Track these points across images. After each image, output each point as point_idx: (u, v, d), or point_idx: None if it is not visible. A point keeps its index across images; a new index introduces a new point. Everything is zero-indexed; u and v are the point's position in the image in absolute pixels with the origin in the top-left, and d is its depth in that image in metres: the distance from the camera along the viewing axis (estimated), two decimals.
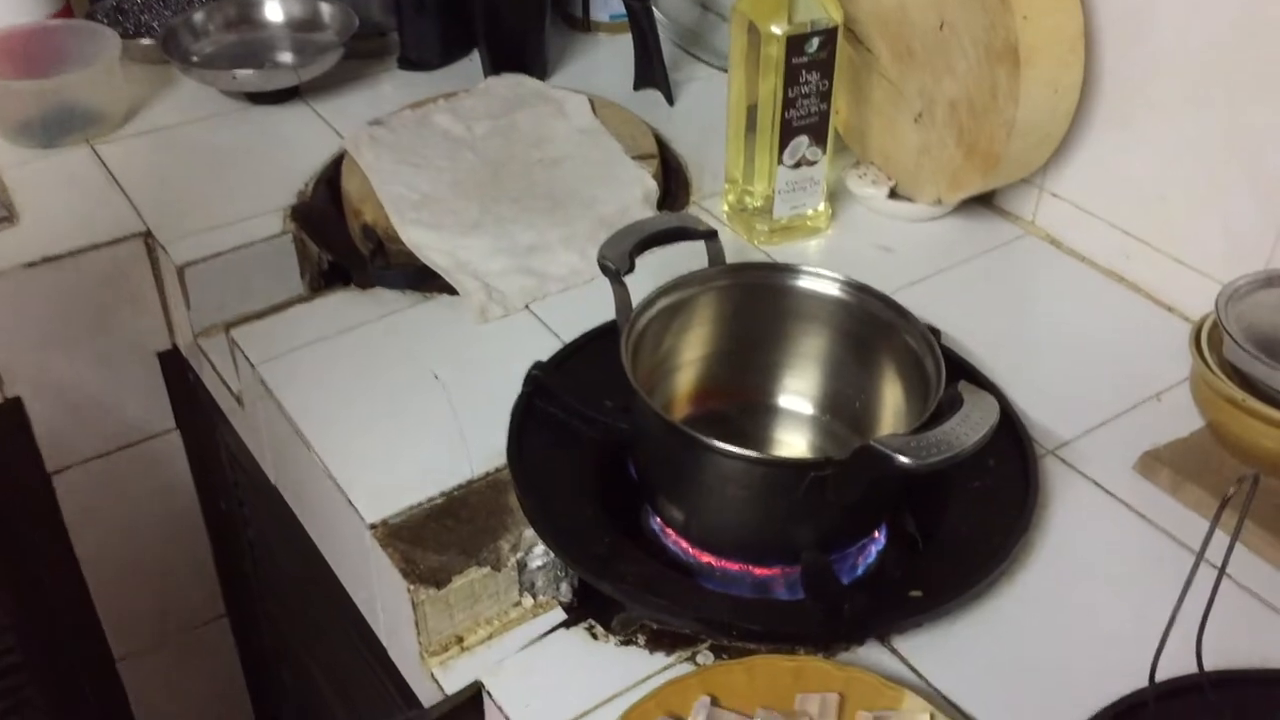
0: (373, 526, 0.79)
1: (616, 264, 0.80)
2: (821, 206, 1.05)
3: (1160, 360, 0.92)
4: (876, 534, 0.80)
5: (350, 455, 0.85)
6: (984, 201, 1.09)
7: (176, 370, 1.13)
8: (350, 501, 0.81)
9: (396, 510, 0.80)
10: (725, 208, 1.08)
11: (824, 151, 1.01)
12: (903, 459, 0.67)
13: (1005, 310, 0.99)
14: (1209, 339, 0.82)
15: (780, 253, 1.04)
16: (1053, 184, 1.04)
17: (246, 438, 1.04)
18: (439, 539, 0.79)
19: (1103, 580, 0.76)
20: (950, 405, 0.72)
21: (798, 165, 1.01)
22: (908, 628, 0.72)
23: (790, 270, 0.82)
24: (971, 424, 0.69)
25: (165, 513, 1.22)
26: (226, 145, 1.17)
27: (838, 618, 0.72)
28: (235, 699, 1.41)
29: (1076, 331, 0.96)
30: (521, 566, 0.79)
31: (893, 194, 1.07)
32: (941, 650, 0.72)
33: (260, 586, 1.25)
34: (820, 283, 0.81)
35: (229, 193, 1.09)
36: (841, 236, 1.06)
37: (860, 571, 0.79)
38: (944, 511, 0.80)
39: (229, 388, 1.01)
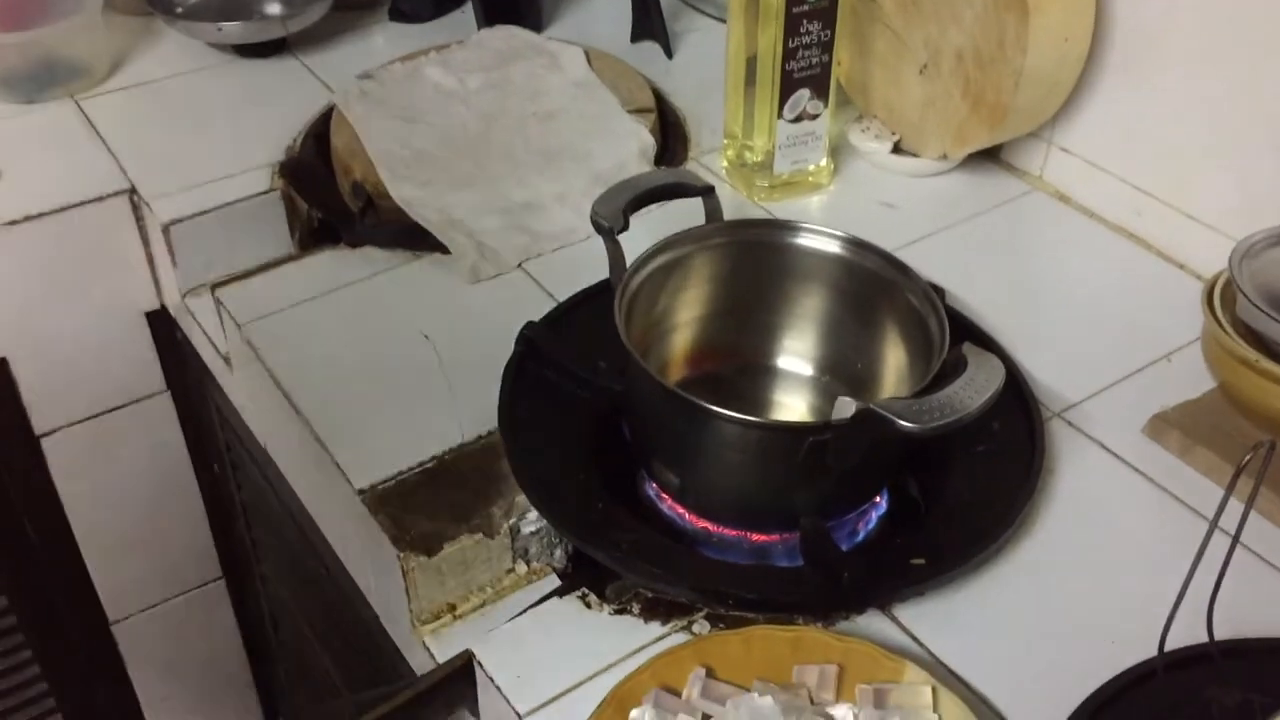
0: (361, 492, 0.77)
1: (610, 221, 0.77)
2: (823, 162, 1.02)
3: (1171, 319, 0.90)
4: (878, 499, 0.78)
5: (338, 419, 0.82)
6: (990, 156, 1.06)
7: (165, 330, 1.11)
8: (339, 466, 0.79)
9: (386, 475, 0.78)
10: (724, 163, 1.05)
11: (826, 105, 0.98)
12: (905, 423, 0.64)
13: (1012, 268, 0.96)
14: (1222, 297, 0.79)
15: (781, 209, 1.01)
16: (1061, 138, 1.01)
17: (235, 399, 1.02)
18: (430, 505, 0.77)
19: (1110, 547, 0.74)
20: (954, 367, 0.69)
21: (798, 119, 0.98)
22: (909, 596, 0.70)
23: (789, 227, 0.79)
24: (976, 387, 0.67)
25: (157, 475, 1.20)
26: (213, 99, 1.14)
27: (836, 586, 0.70)
28: (232, 661, 1.40)
29: (1085, 290, 0.93)
30: (514, 532, 0.77)
31: (896, 149, 1.04)
32: (944, 619, 0.70)
33: (255, 549, 1.23)
34: (820, 240, 0.79)
35: (215, 148, 1.07)
36: (843, 192, 1.04)
37: (861, 537, 0.77)
38: (947, 476, 0.78)
39: (216, 349, 0.99)
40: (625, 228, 0.77)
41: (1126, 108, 0.96)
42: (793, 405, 0.82)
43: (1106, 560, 0.73)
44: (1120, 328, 0.89)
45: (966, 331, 0.86)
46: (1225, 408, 0.81)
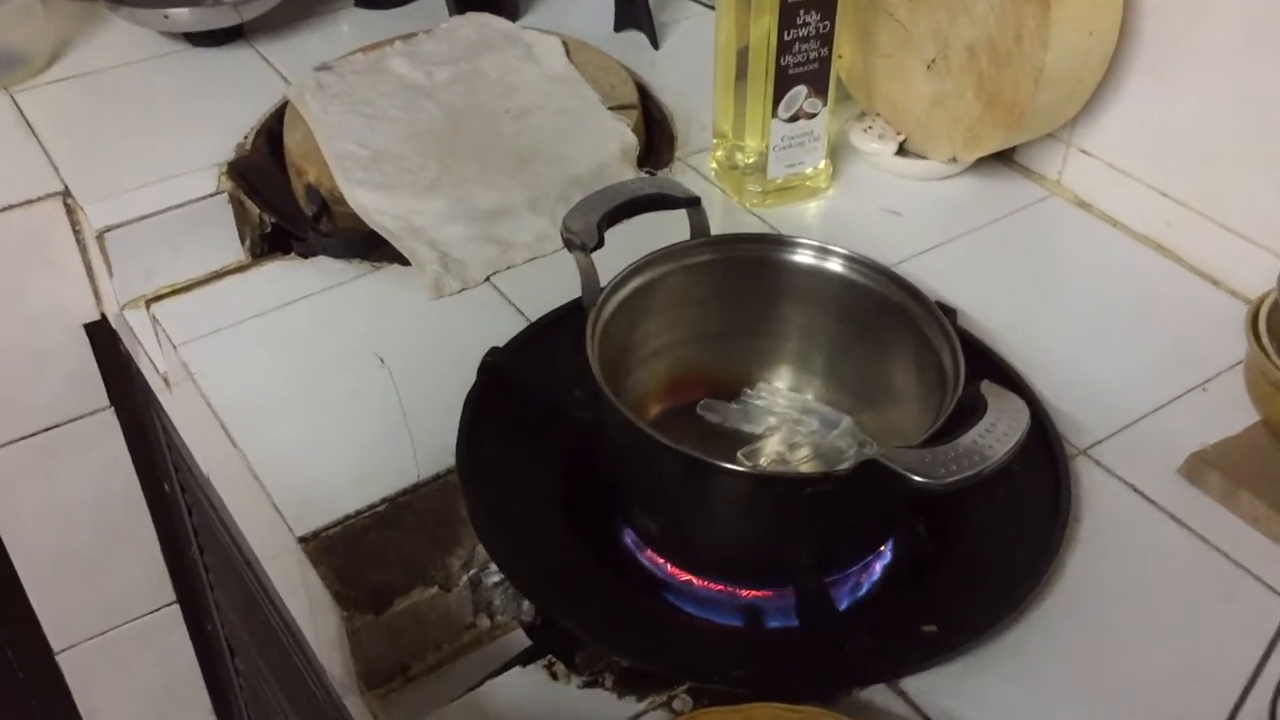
0: (303, 540, 0.69)
1: (583, 238, 0.68)
2: (821, 164, 0.94)
3: (1206, 342, 0.81)
4: (882, 548, 0.70)
5: (280, 452, 0.74)
6: (1003, 159, 0.97)
7: (107, 342, 1.02)
8: (277, 508, 0.71)
9: (331, 520, 0.70)
10: (713, 165, 0.96)
11: (824, 103, 0.90)
12: (917, 478, 0.57)
13: (1028, 283, 0.88)
14: (1268, 322, 0.71)
15: (775, 216, 0.92)
16: (1082, 139, 0.93)
17: (177, 421, 0.93)
18: (380, 554, 0.69)
19: (1147, 608, 0.65)
20: (971, 408, 0.61)
21: (794, 118, 0.89)
22: (920, 668, 0.62)
23: (783, 243, 0.71)
24: (998, 434, 0.59)
25: (102, 496, 1.12)
26: (160, 92, 1.05)
27: (838, 659, 0.62)
28: (190, 690, 1.31)
29: (1109, 309, 0.85)
30: (475, 584, 0.69)
31: (901, 150, 0.96)
32: (957, 691, 0.61)
33: (207, 574, 1.15)
34: (819, 257, 0.70)
35: (159, 146, 0.98)
36: (843, 198, 0.95)
37: (864, 591, 0.69)
38: (960, 522, 0.69)
39: (155, 367, 0.90)
40: (600, 244, 0.69)
41: (1155, 107, 0.87)
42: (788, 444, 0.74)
43: (1142, 624, 0.65)
44: (1150, 352, 0.81)
45: (981, 359, 0.77)
46: (1270, 445, 0.72)
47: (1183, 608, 0.65)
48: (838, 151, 0.97)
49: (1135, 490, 0.72)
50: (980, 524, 0.69)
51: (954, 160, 0.93)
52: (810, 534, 0.64)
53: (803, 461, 0.71)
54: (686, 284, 0.70)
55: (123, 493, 1.13)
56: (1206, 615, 0.64)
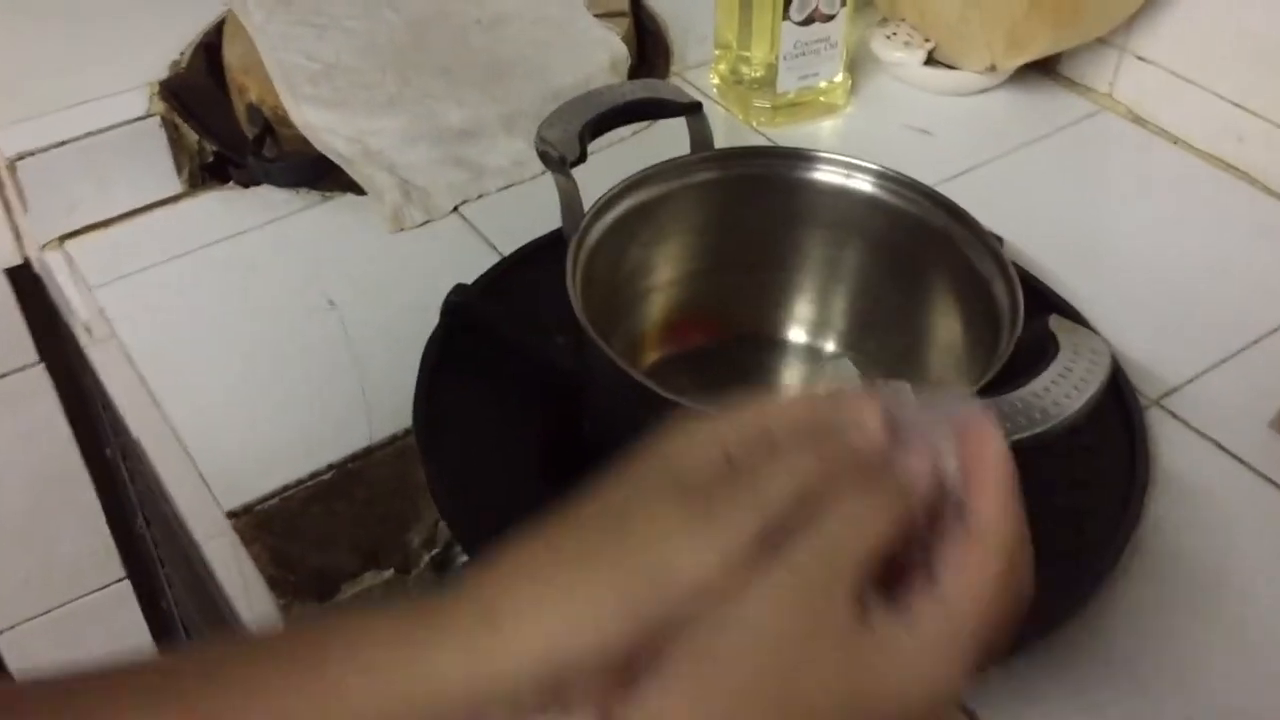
0: (233, 515, 0.58)
1: (562, 149, 0.57)
2: (839, 77, 0.82)
3: None
4: None
5: (209, 412, 0.63)
6: (1045, 69, 0.85)
7: (33, 289, 0.91)
8: (203, 478, 0.60)
9: (266, 491, 0.59)
10: (716, 80, 0.84)
11: (843, 2, 0.78)
12: None
13: (1079, 210, 0.76)
14: None
15: (785, 136, 0.81)
16: (1139, 43, 0.81)
17: (104, 377, 0.81)
18: (325, 531, 0.59)
19: (1241, 586, 0.54)
20: (1035, 350, 0.50)
21: (808, 21, 0.77)
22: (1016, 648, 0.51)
23: (801, 157, 0.59)
24: (1074, 380, 0.48)
25: (37, 463, 1.00)
26: (82, 1, 0.92)
27: None
28: None
29: (1174, 238, 0.73)
30: (440, 565, 0.58)
31: (930, 60, 0.84)
32: (1015, 697, 0.50)
33: (156, 548, 1.04)
34: (844, 174, 0.58)
35: (83, 61, 0.85)
36: (864, 116, 0.83)
37: None
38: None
39: (77, 314, 0.78)
40: (582, 158, 0.57)
41: (1226, 1, 0.75)
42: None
43: (1236, 607, 0.54)
44: (1224, 287, 0.70)
45: (1032, 295, 0.65)
46: None
47: None
48: (857, 63, 0.85)
49: (1219, 446, 0.61)
50: (1038, 490, 0.58)
51: (992, 69, 0.81)
52: None
53: None
54: (686, 207, 0.59)
55: (60, 458, 1.02)
56: None
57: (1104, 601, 0.53)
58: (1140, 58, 0.81)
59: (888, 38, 0.84)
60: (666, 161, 0.58)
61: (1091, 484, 0.58)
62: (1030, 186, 0.77)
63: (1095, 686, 0.51)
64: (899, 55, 0.84)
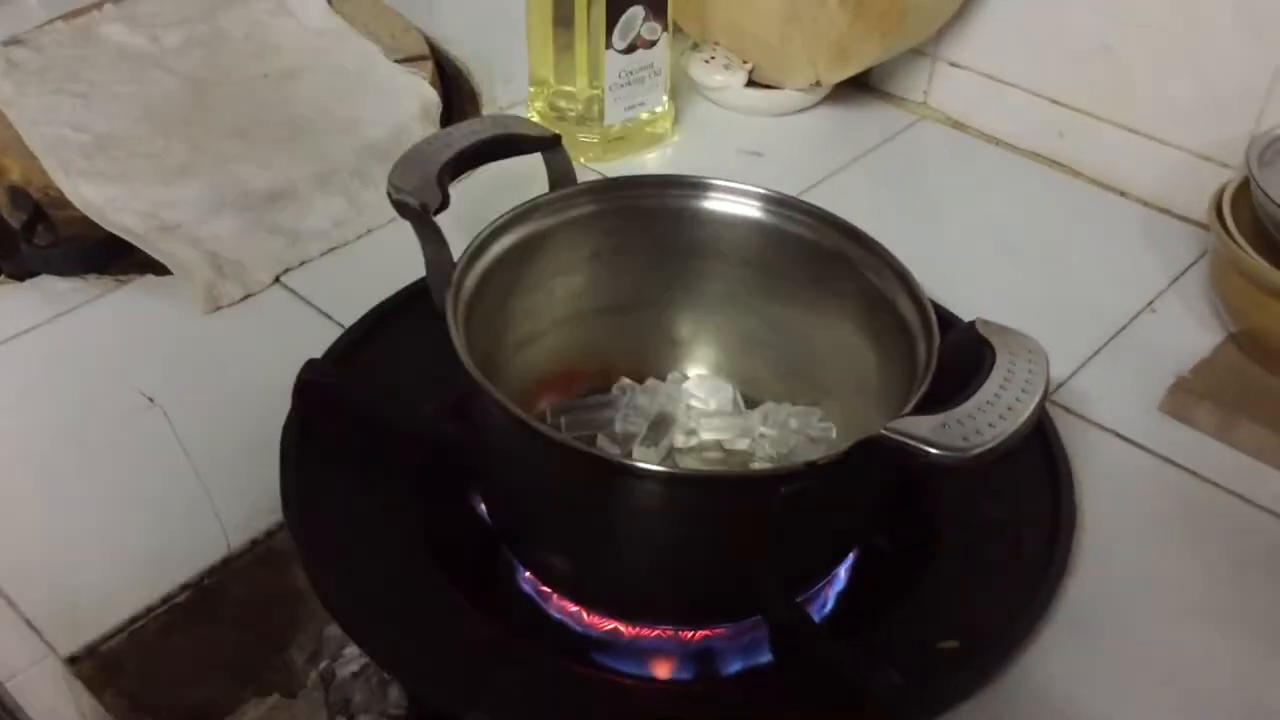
0: (74, 660, 0.49)
1: (421, 197, 0.51)
2: (664, 105, 0.79)
3: (1137, 260, 0.71)
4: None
5: (27, 548, 0.53)
6: (860, 85, 0.85)
7: None
8: (30, 624, 0.50)
9: (112, 626, 0.50)
10: (535, 118, 0.80)
11: (664, 27, 0.75)
12: (934, 451, 0.42)
13: (916, 219, 0.75)
14: (1233, 210, 0.61)
15: (617, 170, 0.77)
16: (948, 50, 0.81)
17: None
18: (191, 662, 0.50)
19: (1176, 576, 0.53)
20: (963, 360, 0.48)
21: (631, 49, 0.74)
22: (964, 697, 0.47)
23: (685, 184, 0.55)
24: (1019, 382, 0.45)
25: None
26: None
27: (845, 702, 0.46)
28: None
29: (1013, 238, 0.73)
30: (328, 679, 0.51)
31: (751, 82, 0.82)
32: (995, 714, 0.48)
33: None
34: (731, 200, 0.55)
35: None
36: (692, 143, 0.80)
37: (830, 606, 0.54)
38: (928, 507, 0.56)
39: None
40: (445, 204, 0.51)
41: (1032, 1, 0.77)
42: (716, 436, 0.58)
43: (1175, 598, 0.52)
44: (1075, 280, 0.70)
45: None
46: (1251, 364, 0.62)
47: (1213, 575, 0.54)
48: (676, 91, 0.82)
49: (1118, 435, 0.60)
50: (963, 505, 0.56)
51: (817, 85, 0.80)
52: (780, 545, 0.49)
53: (738, 454, 0.56)
54: (566, 245, 0.54)
55: None
56: (1242, 581, 0.53)
57: (1059, 605, 0.51)
58: (953, 64, 0.81)
59: (706, 62, 0.82)
60: (540, 198, 0.53)
61: (1013, 492, 0.56)
62: (866, 200, 0.76)
63: (1045, 695, 0.48)
64: (720, 79, 0.81)
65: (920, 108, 0.84)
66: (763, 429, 0.57)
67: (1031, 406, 0.44)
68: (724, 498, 0.46)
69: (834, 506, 0.48)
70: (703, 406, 0.58)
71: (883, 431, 0.43)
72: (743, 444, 0.56)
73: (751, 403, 0.58)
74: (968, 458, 0.42)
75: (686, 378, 0.59)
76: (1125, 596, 0.52)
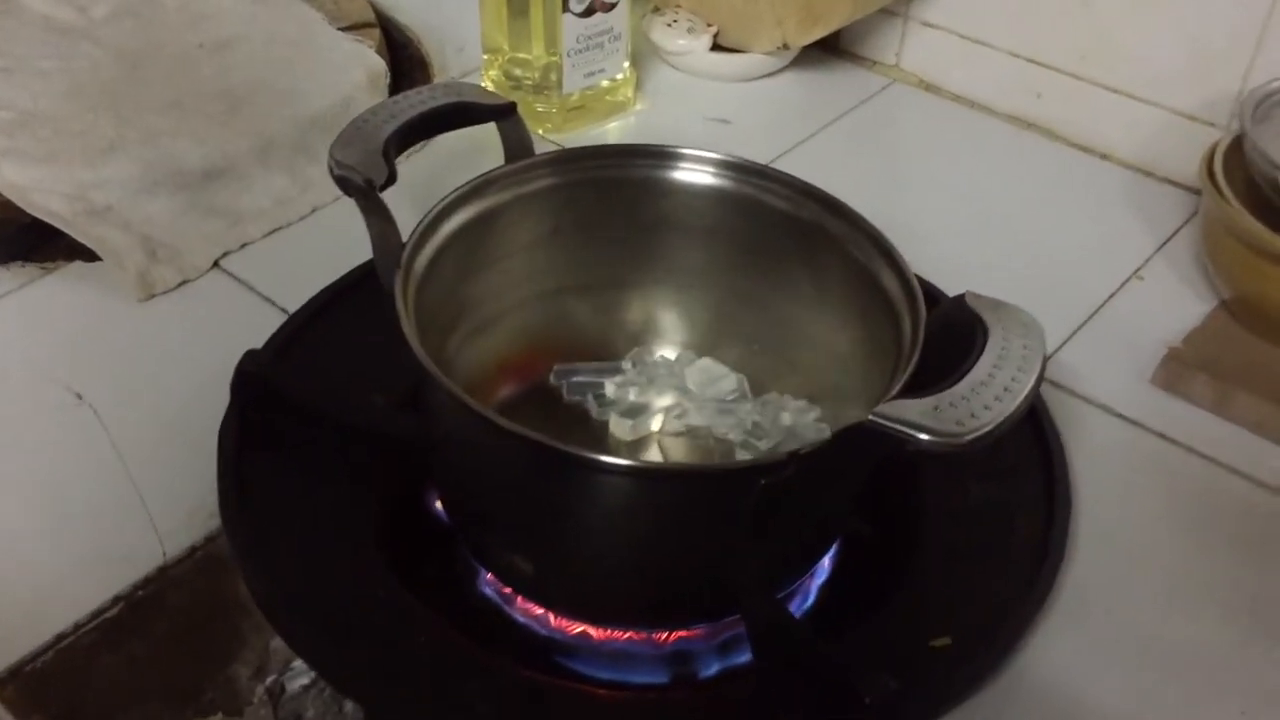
0: None
1: (366, 172, 0.47)
2: (625, 72, 0.75)
3: (1122, 226, 0.69)
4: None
5: None
6: (829, 48, 0.81)
7: None
8: None
9: (38, 644, 0.46)
10: (489, 87, 0.75)
11: None
12: (926, 437, 0.39)
13: (892, 188, 0.72)
14: (1225, 169, 0.58)
15: (577, 141, 0.73)
16: (921, 10, 0.78)
17: None
18: (125, 681, 0.47)
19: (1173, 564, 0.51)
20: (952, 339, 0.44)
21: (589, 12, 0.70)
22: (961, 699, 0.44)
23: (651, 154, 0.51)
24: (1014, 359, 0.42)
25: None
26: None
27: (836, 702, 0.43)
28: None
29: (996, 205, 0.70)
30: (276, 695, 0.47)
31: (715, 46, 0.78)
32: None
33: None
34: (700, 171, 0.51)
35: None
36: (656, 112, 0.77)
37: (812, 600, 0.51)
38: (911, 493, 0.53)
39: None
40: (392, 179, 0.47)
41: None
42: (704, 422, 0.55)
43: (1176, 582, 0.50)
44: (1058, 247, 0.67)
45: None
46: (1245, 331, 0.59)
47: (1215, 556, 0.51)
48: (637, 56, 0.78)
49: (1110, 411, 0.57)
50: (952, 491, 0.53)
51: (784, 48, 0.76)
52: (760, 540, 0.45)
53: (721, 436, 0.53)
54: (524, 221, 0.50)
55: None
56: (1246, 559, 0.50)
57: (1048, 609, 0.48)
58: (926, 23, 0.78)
59: (668, 26, 0.78)
60: (495, 170, 0.49)
61: (1003, 473, 0.53)
62: (839, 167, 0.73)
63: (1040, 696, 0.45)
64: (683, 43, 0.77)
65: (892, 70, 0.80)
66: (756, 418, 0.54)
67: (1029, 386, 0.41)
68: (691, 493, 0.43)
69: (817, 498, 0.45)
70: (700, 391, 0.55)
71: (870, 418, 0.40)
72: (733, 434, 0.53)
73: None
74: (963, 443, 0.39)
75: (698, 357, 0.56)
76: (1124, 582, 0.49)
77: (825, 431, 0.53)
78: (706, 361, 0.54)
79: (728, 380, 0.53)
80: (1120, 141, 0.72)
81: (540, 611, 0.49)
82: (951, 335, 0.45)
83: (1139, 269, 0.65)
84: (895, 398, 0.41)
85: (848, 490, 0.47)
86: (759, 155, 0.71)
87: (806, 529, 0.47)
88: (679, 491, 0.42)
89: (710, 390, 0.54)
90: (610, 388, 0.52)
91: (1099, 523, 0.51)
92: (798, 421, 0.53)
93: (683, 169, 0.51)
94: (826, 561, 0.51)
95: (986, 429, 0.39)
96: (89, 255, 0.62)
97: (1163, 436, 0.56)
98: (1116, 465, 0.54)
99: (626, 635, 0.48)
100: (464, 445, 0.46)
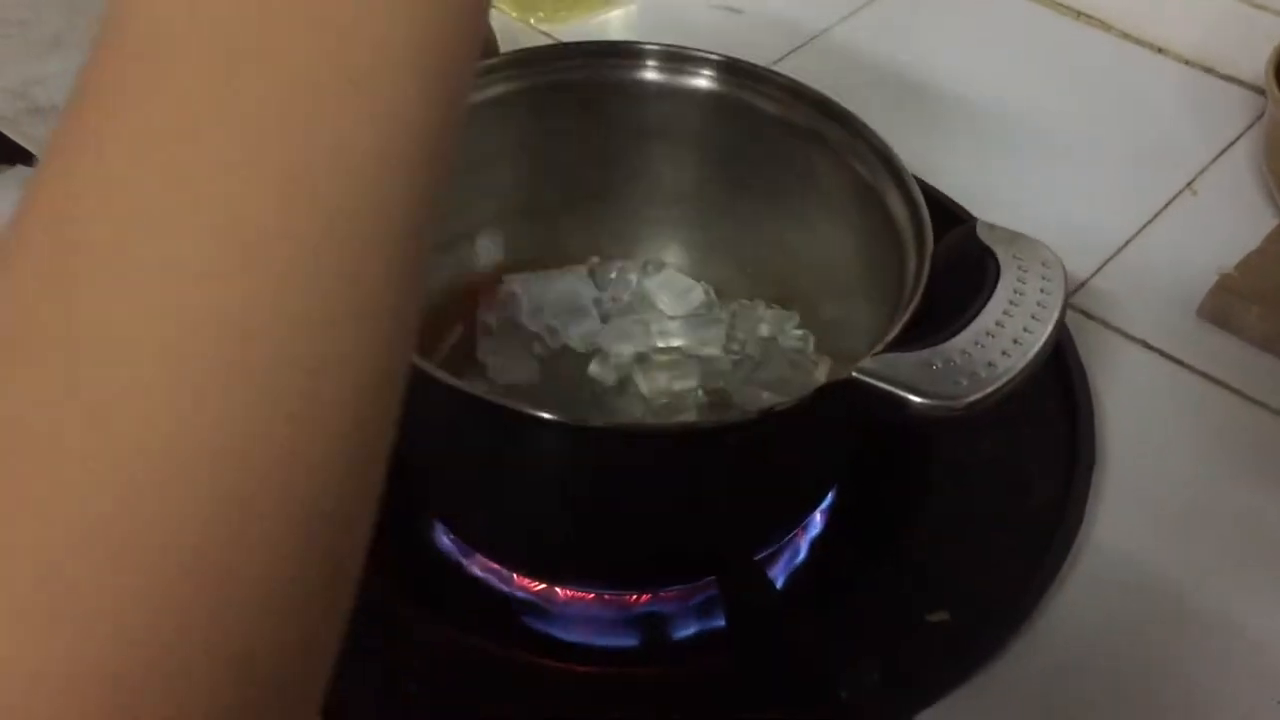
0: None
1: None
2: None
3: (1174, 129, 0.62)
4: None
5: None
6: None
7: None
8: None
9: None
10: None
11: None
12: (918, 400, 0.34)
13: (926, 85, 0.65)
14: None
15: (573, 33, 0.66)
16: None
17: None
18: None
19: (1213, 525, 0.45)
20: (961, 273, 0.39)
21: None
22: (952, 686, 0.40)
23: (627, 53, 0.45)
24: (1029, 304, 0.37)
25: None
26: None
27: (811, 688, 0.39)
28: None
29: (1036, 107, 0.63)
30: None
31: None
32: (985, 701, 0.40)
33: None
34: (683, 71, 0.45)
35: None
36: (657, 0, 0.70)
37: (802, 557, 0.46)
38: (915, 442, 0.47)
39: None
40: None
41: None
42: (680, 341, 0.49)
43: (1217, 546, 0.44)
44: (1106, 153, 0.60)
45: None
46: None
47: (1258, 518, 0.45)
48: None
49: (1147, 346, 0.51)
50: (950, 436, 0.47)
51: None
52: (736, 498, 0.41)
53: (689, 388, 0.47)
54: (487, 131, 0.44)
55: None
56: None
57: (1064, 580, 0.43)
58: None
59: None
60: None
61: (1019, 421, 0.47)
62: (864, 64, 0.66)
63: (1049, 675, 0.41)
64: None
65: None
66: (736, 333, 0.49)
67: (1043, 339, 0.36)
68: (657, 453, 0.38)
69: (796, 457, 0.40)
70: (670, 310, 0.49)
71: (854, 374, 0.35)
72: (712, 349, 0.48)
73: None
74: (959, 408, 0.34)
75: (664, 264, 0.50)
76: (1154, 548, 0.44)
77: (809, 341, 0.48)
78: (670, 273, 0.49)
79: (695, 292, 0.48)
80: (1177, 33, 0.65)
81: (497, 567, 0.45)
82: (961, 268, 0.39)
83: (1191, 181, 0.58)
84: (891, 345, 0.36)
85: (836, 447, 0.42)
86: (770, 48, 0.65)
87: (787, 487, 0.42)
88: (634, 448, 0.37)
89: (681, 306, 0.48)
90: (576, 339, 0.47)
91: (1128, 475, 0.46)
92: (778, 332, 0.48)
93: (663, 70, 0.45)
94: (819, 516, 0.46)
95: (988, 391, 0.34)
96: (31, 159, 0.57)
97: (1207, 376, 0.50)
98: (1152, 409, 0.49)
99: (592, 597, 0.44)
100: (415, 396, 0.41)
